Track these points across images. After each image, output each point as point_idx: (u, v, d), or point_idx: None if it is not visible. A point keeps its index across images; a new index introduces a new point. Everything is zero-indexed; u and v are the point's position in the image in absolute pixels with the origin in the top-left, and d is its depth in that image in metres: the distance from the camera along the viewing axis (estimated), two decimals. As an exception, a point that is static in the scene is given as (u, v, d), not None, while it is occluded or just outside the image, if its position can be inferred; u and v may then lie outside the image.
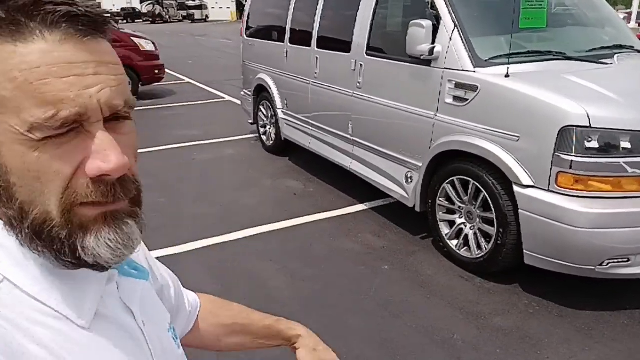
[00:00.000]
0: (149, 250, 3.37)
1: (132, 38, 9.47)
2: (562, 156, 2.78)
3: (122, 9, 54.45)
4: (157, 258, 3.50)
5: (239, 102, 7.69)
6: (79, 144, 0.51)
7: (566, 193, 2.80)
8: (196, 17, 51.71)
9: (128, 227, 0.55)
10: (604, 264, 2.80)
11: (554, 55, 3.49)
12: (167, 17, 53.69)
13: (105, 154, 0.51)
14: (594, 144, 2.73)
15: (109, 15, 0.53)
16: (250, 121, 6.69)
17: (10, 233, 0.53)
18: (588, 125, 2.72)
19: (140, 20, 53.41)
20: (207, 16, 52.50)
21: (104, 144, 0.51)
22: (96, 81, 0.51)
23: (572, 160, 2.75)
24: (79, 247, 0.53)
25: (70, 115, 0.49)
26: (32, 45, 0.48)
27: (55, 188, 0.51)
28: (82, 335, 0.56)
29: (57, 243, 0.52)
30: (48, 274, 0.55)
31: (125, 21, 50.77)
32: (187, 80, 12.16)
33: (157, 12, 53.62)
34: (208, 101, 9.59)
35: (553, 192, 2.85)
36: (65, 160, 0.50)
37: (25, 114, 0.48)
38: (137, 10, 55.77)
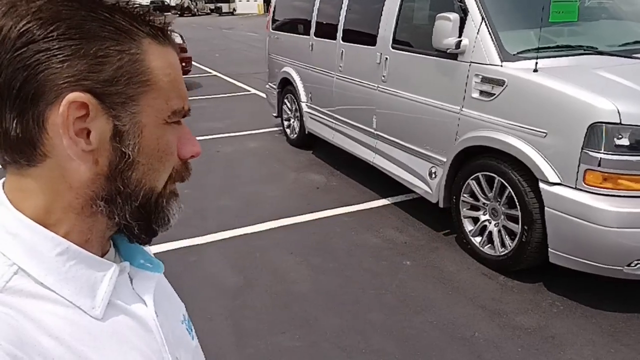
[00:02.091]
0: (175, 239, 3.45)
1: (160, 31, 9.58)
2: (591, 153, 2.71)
3: (151, 2, 55.02)
4: (181, 248, 3.57)
5: (264, 95, 7.72)
6: (178, 131, 0.62)
7: (594, 191, 2.74)
8: (224, 10, 51.96)
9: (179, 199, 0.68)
10: (633, 265, 2.72)
11: (584, 50, 3.39)
12: (195, 10, 54.13)
13: (193, 141, 0.64)
14: (624, 141, 2.65)
15: None
16: (274, 114, 6.72)
17: (100, 209, 0.57)
18: (618, 121, 2.65)
19: (169, 13, 54.01)
20: (234, 9, 52.70)
21: (190, 132, 0.64)
22: None
23: (600, 158, 2.68)
24: (169, 213, 0.63)
25: (188, 109, 0.63)
26: (169, 50, 0.60)
27: (169, 166, 0.62)
28: (94, 325, 0.56)
29: (155, 211, 0.62)
30: (62, 264, 0.55)
31: (154, 14, 51.41)
32: (214, 73, 12.26)
33: (185, 5, 54.13)
34: (234, 94, 9.66)
35: (580, 190, 2.78)
36: (175, 142, 0.62)
37: (172, 102, 0.59)
38: (165, 3, 56.41)
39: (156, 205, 0.62)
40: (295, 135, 6.13)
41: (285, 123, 6.38)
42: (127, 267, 0.64)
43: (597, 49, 3.42)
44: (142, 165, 0.58)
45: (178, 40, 9.68)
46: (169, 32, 0.61)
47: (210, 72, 12.33)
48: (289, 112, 6.24)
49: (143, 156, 0.58)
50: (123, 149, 0.56)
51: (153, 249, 3.11)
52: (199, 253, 3.68)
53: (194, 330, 0.76)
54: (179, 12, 52.99)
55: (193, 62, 10.52)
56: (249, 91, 9.87)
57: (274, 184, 5.04)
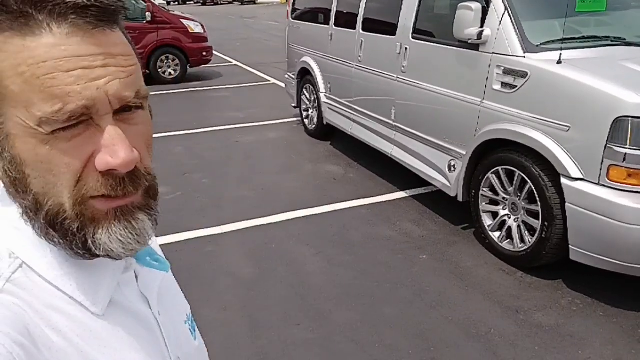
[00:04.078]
0: (192, 229, 3.47)
1: (182, 20, 9.62)
2: (615, 148, 2.63)
3: (175, -9, 55.26)
4: (198, 238, 3.59)
5: (283, 85, 7.70)
6: (89, 137, 0.51)
7: (618, 187, 2.65)
8: (246, -1, 51.89)
9: (139, 222, 0.55)
10: (657, 264, 2.64)
11: (611, 41, 3.28)
12: (218, -1, 54.14)
13: (113, 149, 0.51)
14: (651, 136, 2.56)
15: (121, 4, 0.52)
16: (293, 105, 6.70)
17: (27, 223, 0.55)
18: (645, 116, 2.56)
19: (192, 2, 54.19)
20: (256, -2, 52.57)
21: (113, 138, 0.51)
22: (104, 73, 0.50)
23: (625, 153, 2.60)
24: (89, 241, 0.53)
25: (77, 109, 0.49)
26: (40, 39, 0.48)
27: (67, 180, 0.51)
28: (96, 323, 0.56)
29: (69, 235, 0.53)
30: (64, 260, 0.56)
31: (177, 3, 51.63)
32: (234, 62, 12.27)
33: (208, -6, 54.10)
34: (254, 84, 9.65)
35: (604, 186, 2.70)
36: (76, 153, 0.51)
37: (34, 109, 0.48)
38: (189, -8, 56.49)
39: (65, 228, 0.53)
40: (314, 126, 6.10)
41: (304, 113, 6.35)
42: (133, 264, 0.64)
43: (625, 39, 3.31)
44: (34, 178, 0.51)
45: (199, 29, 9.69)
46: (37, 7, 0.48)
47: (230, 62, 12.34)
48: (308, 103, 6.21)
49: (30, 169, 0.51)
50: (1, 164, 0.52)
51: (170, 238, 3.19)
52: (215, 243, 3.70)
53: (197, 330, 0.76)
54: (201, 1, 53.11)
55: (214, 52, 10.54)
56: (269, 81, 9.86)
57: (292, 175, 5.03)
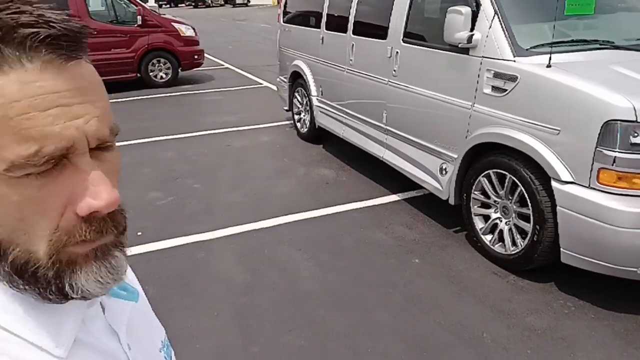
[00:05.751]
0: (184, 235, 3.46)
1: (173, 24, 9.59)
2: (605, 152, 2.64)
3: (165, -6, 55.08)
4: (189, 244, 3.57)
5: (275, 88, 7.69)
6: (65, 179, 0.48)
7: (608, 191, 2.67)
8: (237, 2, 51.76)
9: (116, 259, 0.54)
10: (647, 266, 2.65)
11: (600, 44, 3.30)
12: (210, 1, 54.06)
13: (95, 190, 0.48)
14: (640, 140, 2.57)
15: (86, 30, 0.49)
16: (285, 108, 6.69)
17: None
18: (634, 119, 2.57)
19: (183, 5, 54.06)
20: (248, 0, 52.54)
21: (93, 179, 0.49)
22: (82, 111, 0.47)
23: (615, 156, 2.61)
24: (66, 285, 0.51)
25: (55, 151, 0.46)
26: (10, 76, 0.45)
27: (41, 230, 0.48)
28: None
29: (42, 282, 0.50)
30: (20, 302, 0.52)
31: (168, 5, 51.49)
32: (226, 65, 12.24)
33: (199, -4, 53.96)
34: (246, 87, 9.63)
35: (594, 189, 2.71)
36: (52, 200, 0.48)
37: (5, 152, 0.44)
38: (180, -6, 56.32)
39: (37, 276, 0.49)
40: (306, 129, 6.10)
41: (296, 117, 6.34)
42: (99, 297, 0.61)
43: (613, 43, 3.32)
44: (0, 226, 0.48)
45: (190, 32, 9.66)
46: (4, 40, 0.44)
47: (222, 65, 12.31)
48: (300, 106, 6.20)
49: None
50: None
51: (162, 244, 3.16)
52: (207, 249, 3.68)
53: (173, 355, 0.73)
54: (193, 4, 52.99)
55: (206, 55, 10.50)
56: (261, 84, 9.84)
57: (284, 179, 5.02)
